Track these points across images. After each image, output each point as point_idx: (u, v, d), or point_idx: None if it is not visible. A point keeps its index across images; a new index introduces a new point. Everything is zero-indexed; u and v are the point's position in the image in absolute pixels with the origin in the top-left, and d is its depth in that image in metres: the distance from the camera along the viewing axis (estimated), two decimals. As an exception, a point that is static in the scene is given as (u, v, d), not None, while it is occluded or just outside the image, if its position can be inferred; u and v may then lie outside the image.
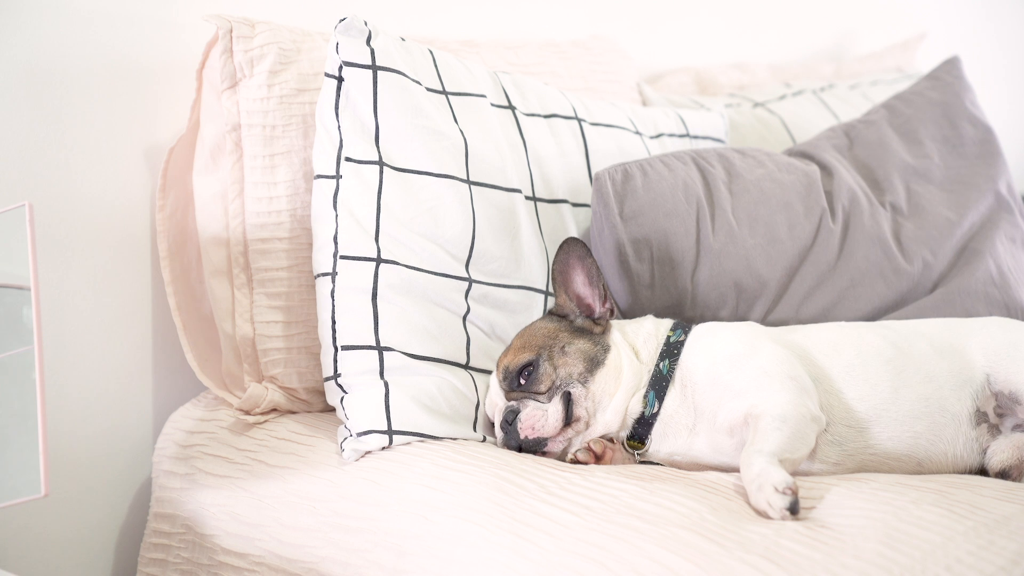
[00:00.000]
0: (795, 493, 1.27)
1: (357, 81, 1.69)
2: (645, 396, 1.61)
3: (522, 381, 1.61)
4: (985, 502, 1.28)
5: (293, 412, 1.79)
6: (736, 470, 1.45)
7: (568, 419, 1.58)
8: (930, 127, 2.14)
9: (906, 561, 1.12)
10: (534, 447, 1.58)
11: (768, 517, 1.28)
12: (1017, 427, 1.55)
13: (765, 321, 1.84)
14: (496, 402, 1.64)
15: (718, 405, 1.55)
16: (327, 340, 1.67)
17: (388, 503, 1.47)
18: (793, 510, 1.26)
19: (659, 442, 1.60)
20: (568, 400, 1.59)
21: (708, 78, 2.62)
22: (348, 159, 1.69)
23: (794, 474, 1.41)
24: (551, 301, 1.79)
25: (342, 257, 1.67)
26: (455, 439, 1.61)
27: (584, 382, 1.60)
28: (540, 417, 1.58)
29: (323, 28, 1.87)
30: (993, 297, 1.92)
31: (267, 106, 1.77)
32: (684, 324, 1.70)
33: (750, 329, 1.69)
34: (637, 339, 1.67)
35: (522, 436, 1.58)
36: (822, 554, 1.14)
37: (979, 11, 3.54)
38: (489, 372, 1.71)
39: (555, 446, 1.59)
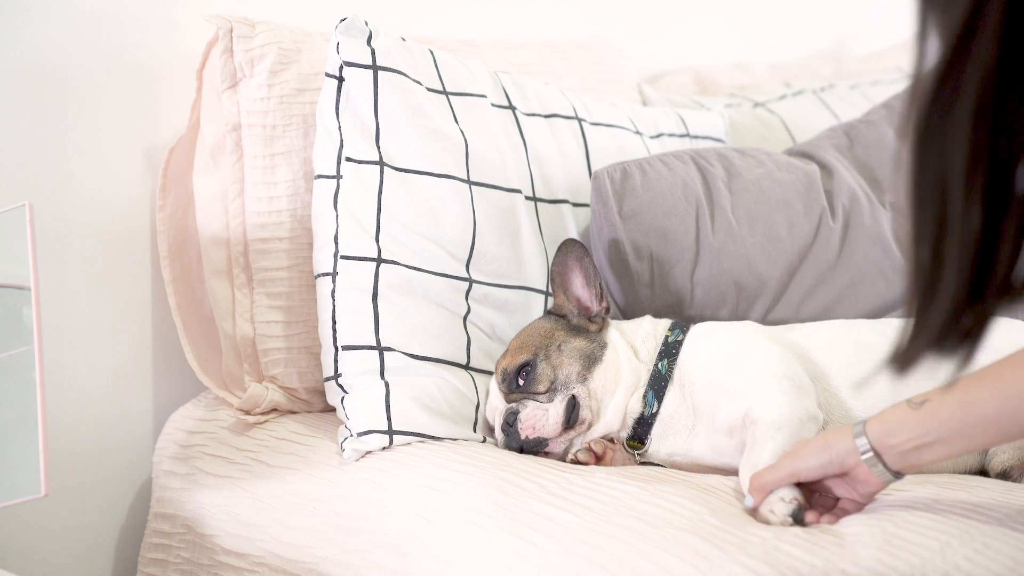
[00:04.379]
0: (799, 503, 1.27)
1: (358, 81, 1.69)
2: (644, 396, 1.61)
3: (520, 382, 1.61)
4: (982, 504, 1.28)
5: (293, 412, 1.79)
6: (736, 471, 1.45)
7: (571, 422, 1.58)
8: (930, 127, 2.14)
9: (905, 568, 1.12)
10: (535, 447, 1.58)
11: (769, 523, 1.28)
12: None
13: (765, 320, 1.84)
14: (496, 405, 1.64)
15: (716, 406, 1.55)
16: (327, 340, 1.67)
17: (388, 503, 1.47)
18: (796, 517, 1.26)
19: (659, 442, 1.60)
20: (573, 405, 1.58)
21: (708, 78, 2.62)
22: (349, 159, 1.69)
23: None
24: (551, 302, 1.79)
25: (343, 257, 1.67)
26: (455, 439, 1.61)
27: (584, 380, 1.60)
28: (540, 416, 1.58)
29: (323, 28, 1.87)
30: (993, 297, 1.92)
31: (267, 106, 1.77)
32: (682, 324, 1.69)
33: (748, 328, 1.69)
34: (635, 338, 1.67)
35: (523, 436, 1.57)
36: (822, 560, 1.14)
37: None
38: (490, 373, 1.71)
39: (556, 447, 1.59)
